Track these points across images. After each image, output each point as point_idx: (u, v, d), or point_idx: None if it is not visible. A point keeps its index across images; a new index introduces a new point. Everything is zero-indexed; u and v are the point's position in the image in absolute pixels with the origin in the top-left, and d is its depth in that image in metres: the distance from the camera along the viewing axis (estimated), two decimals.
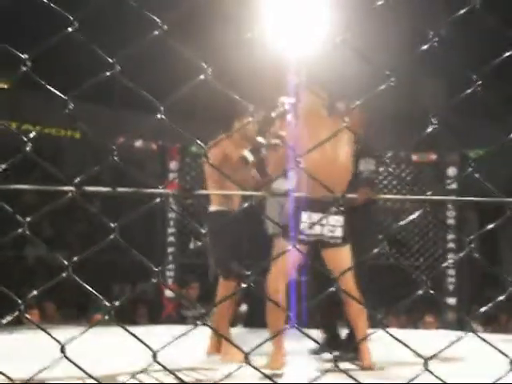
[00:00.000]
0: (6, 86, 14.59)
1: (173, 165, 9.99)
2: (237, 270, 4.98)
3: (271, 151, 4.85)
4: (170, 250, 9.90)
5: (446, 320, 9.90)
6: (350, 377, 1.61)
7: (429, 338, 6.03)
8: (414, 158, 10.15)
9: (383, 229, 10.04)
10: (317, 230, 4.58)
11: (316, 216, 4.53)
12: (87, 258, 1.69)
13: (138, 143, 10.06)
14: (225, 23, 9.97)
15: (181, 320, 9.58)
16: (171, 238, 9.94)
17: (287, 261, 4.54)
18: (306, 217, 4.54)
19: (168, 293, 9.92)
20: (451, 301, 9.95)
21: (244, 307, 8.53)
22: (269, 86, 5.54)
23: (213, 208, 5.19)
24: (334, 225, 4.62)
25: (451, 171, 10.05)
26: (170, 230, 9.94)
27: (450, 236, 10.11)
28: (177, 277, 9.93)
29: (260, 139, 5.38)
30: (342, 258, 4.66)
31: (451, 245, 10.08)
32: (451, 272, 9.99)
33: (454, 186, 9.49)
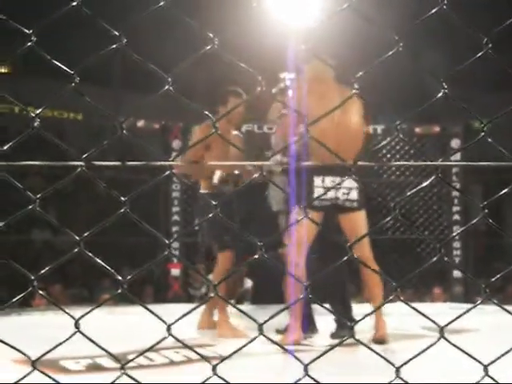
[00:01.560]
0: (7, 71, 14.55)
1: (175, 144, 9.96)
2: (231, 241, 5.04)
3: (281, 122, 4.79)
4: (175, 229, 9.90)
5: (453, 293, 9.90)
6: (367, 347, 1.60)
7: (436, 311, 6.03)
8: (417, 130, 10.10)
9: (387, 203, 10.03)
10: (331, 193, 4.44)
11: (329, 179, 4.39)
12: (95, 243, 1.67)
13: (141, 123, 10.04)
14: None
15: (188, 299, 9.60)
16: (175, 217, 9.93)
17: (303, 232, 4.41)
18: (319, 181, 4.40)
19: (174, 272, 9.94)
20: (457, 273, 9.95)
21: (250, 284, 8.53)
22: (270, 61, 5.51)
23: (202, 191, 5.24)
24: (348, 187, 4.46)
25: (454, 143, 10.01)
26: (175, 209, 9.93)
27: (455, 208, 10.09)
28: (181, 256, 9.92)
29: (236, 132, 5.42)
30: (358, 224, 4.52)
31: (456, 217, 10.06)
32: (457, 245, 9.98)
33: (457, 157, 9.42)
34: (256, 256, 1.48)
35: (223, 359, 1.48)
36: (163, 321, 1.48)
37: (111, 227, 1.57)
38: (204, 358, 1.47)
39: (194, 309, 1.51)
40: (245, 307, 7.56)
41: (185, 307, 7.58)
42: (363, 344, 1.58)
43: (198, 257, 10.02)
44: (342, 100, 4.39)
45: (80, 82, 1.46)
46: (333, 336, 4.79)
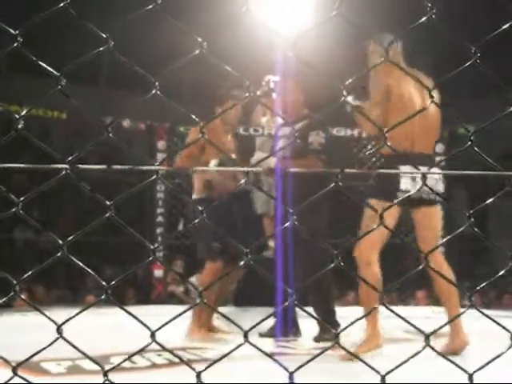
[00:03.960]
0: None
1: (160, 144, 9.95)
2: (221, 252, 4.97)
3: (359, 114, 4.49)
4: (159, 230, 9.87)
5: (437, 297, 9.90)
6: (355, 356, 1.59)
7: (420, 315, 6.05)
8: None
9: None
10: (418, 184, 3.98)
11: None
12: (78, 242, 1.65)
13: (126, 123, 10.01)
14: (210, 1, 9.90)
15: (169, 299, 9.57)
16: (160, 219, 9.91)
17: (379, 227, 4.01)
18: (406, 170, 3.96)
19: (157, 273, 9.92)
20: None
21: (233, 286, 8.51)
22: (257, 63, 5.49)
23: (194, 196, 5.21)
24: (436, 178, 4.05)
25: (439, 148, 10.04)
26: (159, 211, 9.91)
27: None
28: (166, 257, 9.90)
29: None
30: (434, 220, 4.16)
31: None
32: (441, 248, 9.98)
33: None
34: (241, 262, 1.47)
35: (207, 367, 1.46)
36: (147, 327, 1.46)
37: (96, 227, 1.56)
38: (187, 365, 1.46)
39: (180, 315, 1.49)
40: (227, 309, 7.55)
41: (168, 308, 7.54)
42: (347, 351, 1.57)
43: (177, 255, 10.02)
44: (417, 84, 4.15)
45: (66, 82, 1.45)
46: (316, 339, 4.77)
